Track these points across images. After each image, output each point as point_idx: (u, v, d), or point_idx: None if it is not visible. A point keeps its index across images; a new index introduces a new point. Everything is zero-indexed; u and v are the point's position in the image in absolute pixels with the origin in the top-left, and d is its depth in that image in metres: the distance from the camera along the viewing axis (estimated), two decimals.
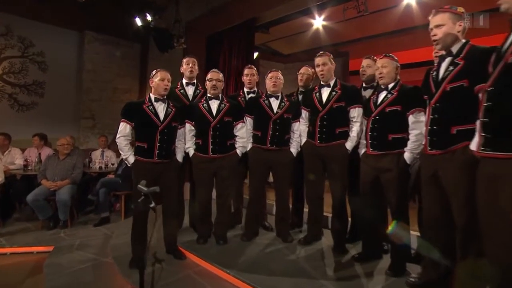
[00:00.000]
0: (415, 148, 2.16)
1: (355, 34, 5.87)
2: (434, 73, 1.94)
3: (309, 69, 3.19)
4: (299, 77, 3.18)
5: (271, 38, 6.46)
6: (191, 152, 2.81)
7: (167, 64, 5.65)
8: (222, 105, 2.81)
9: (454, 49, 1.83)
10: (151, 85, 2.66)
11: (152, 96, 2.62)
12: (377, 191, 2.38)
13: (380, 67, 2.32)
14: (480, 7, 3.21)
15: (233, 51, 5.76)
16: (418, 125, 2.15)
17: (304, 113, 2.88)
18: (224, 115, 2.77)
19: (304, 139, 2.87)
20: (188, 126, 2.82)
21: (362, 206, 2.48)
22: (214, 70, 2.86)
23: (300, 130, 2.89)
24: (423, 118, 2.12)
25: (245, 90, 3.23)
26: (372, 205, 2.42)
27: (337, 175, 2.66)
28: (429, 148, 1.90)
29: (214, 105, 2.80)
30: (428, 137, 1.90)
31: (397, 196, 2.23)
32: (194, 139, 2.83)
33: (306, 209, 3.23)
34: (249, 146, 2.90)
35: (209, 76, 2.83)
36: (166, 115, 2.60)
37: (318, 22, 5.45)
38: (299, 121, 2.90)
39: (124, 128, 2.55)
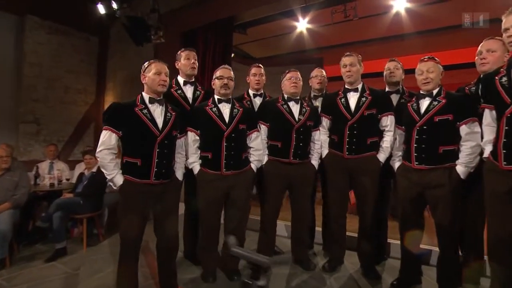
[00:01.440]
0: (470, 161, 1.95)
1: (332, 40, 5.77)
2: (504, 78, 1.73)
3: (323, 71, 2.87)
4: (316, 80, 2.83)
5: (247, 39, 6.06)
6: (197, 168, 2.25)
7: (133, 63, 4.90)
8: (235, 110, 2.31)
9: None
10: (143, 82, 2.07)
11: (146, 96, 2.04)
12: (419, 209, 2.14)
13: (425, 72, 2.07)
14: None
15: (208, 50, 5.23)
16: (473, 136, 1.94)
17: (325, 121, 2.54)
18: (238, 122, 2.28)
19: (325, 150, 2.52)
20: (192, 136, 2.27)
21: (403, 225, 2.20)
22: (224, 66, 2.34)
23: (321, 140, 2.52)
24: (478, 128, 1.93)
25: (251, 92, 2.77)
26: (413, 225, 2.16)
27: (369, 190, 2.36)
28: (504, 163, 1.67)
29: (225, 109, 2.29)
30: (504, 151, 1.67)
31: (449, 214, 2.00)
32: (199, 151, 2.28)
33: (318, 228, 2.89)
34: (265, 159, 2.44)
35: (218, 73, 2.31)
36: (165, 122, 2.03)
37: (302, 25, 5.20)
38: (319, 129, 2.53)
39: (108, 138, 1.92)
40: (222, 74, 2.28)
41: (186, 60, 2.49)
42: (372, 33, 4.82)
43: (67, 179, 4.17)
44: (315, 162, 2.50)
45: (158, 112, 2.05)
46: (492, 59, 2.01)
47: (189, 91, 2.54)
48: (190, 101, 2.51)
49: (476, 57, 2.12)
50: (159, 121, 2.02)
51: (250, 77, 2.75)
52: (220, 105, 2.29)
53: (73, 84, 5.23)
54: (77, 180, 3.82)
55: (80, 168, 4.45)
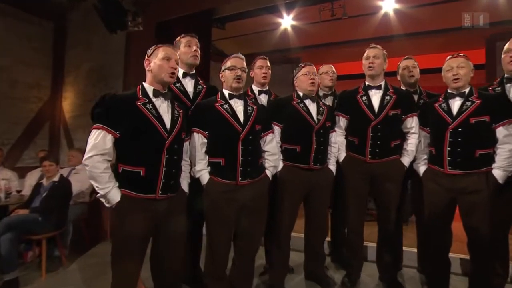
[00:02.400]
0: (509, 165, 1.85)
1: (317, 39, 5.65)
2: None
3: (333, 67, 2.65)
4: (327, 77, 2.60)
5: (224, 35, 5.69)
6: (206, 177, 1.87)
7: (99, 55, 4.28)
8: (249, 108, 1.98)
9: None
10: (146, 69, 1.67)
11: (148, 88, 1.65)
12: (449, 216, 2.01)
13: (455, 67, 1.94)
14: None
15: None
16: (511, 138, 1.83)
17: (343, 121, 2.31)
18: (254, 122, 1.94)
19: (343, 154, 2.29)
20: (199, 138, 1.88)
21: (430, 233, 2.05)
22: (236, 55, 1.99)
23: (338, 143, 2.29)
24: None
25: (255, 88, 2.44)
26: (442, 232, 2.02)
27: (393, 197, 2.19)
28: None
29: (238, 106, 1.95)
30: None
31: (486, 221, 1.88)
32: (207, 157, 1.90)
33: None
34: (280, 164, 2.14)
35: (229, 63, 1.96)
36: (173, 121, 1.66)
37: (287, 21, 4.99)
38: (335, 130, 2.30)
39: (102, 140, 1.50)
40: (235, 64, 1.93)
41: (186, 47, 2.10)
42: (360, 33, 4.76)
43: (18, 191, 3.45)
44: (332, 167, 2.26)
45: (164, 109, 1.66)
46: None
47: (189, 84, 2.14)
48: (191, 96, 2.11)
49: (504, 55, 2.04)
50: (167, 120, 1.63)
51: (254, 70, 2.43)
52: (232, 101, 1.94)
53: (22, 77, 4.41)
54: (32, 192, 3.15)
55: (33, 176, 3.73)
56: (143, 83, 1.68)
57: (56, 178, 3.14)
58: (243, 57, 1.98)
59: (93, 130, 1.52)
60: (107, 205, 1.53)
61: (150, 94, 1.63)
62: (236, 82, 1.92)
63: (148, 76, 1.67)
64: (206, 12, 4.67)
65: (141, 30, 3.91)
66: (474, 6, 4.09)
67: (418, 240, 2.43)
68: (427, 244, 2.09)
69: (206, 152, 1.90)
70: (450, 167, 1.93)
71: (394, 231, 2.23)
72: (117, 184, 1.53)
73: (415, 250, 2.53)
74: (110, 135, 1.51)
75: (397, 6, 4.15)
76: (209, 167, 1.89)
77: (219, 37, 5.55)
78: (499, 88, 2.08)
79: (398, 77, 2.51)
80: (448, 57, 2.04)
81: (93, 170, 1.48)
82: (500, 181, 1.85)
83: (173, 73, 1.65)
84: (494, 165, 1.88)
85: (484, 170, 1.88)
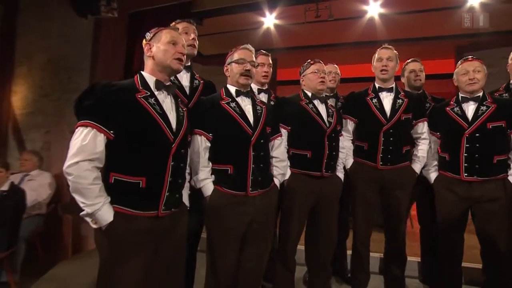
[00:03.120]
0: None
1: (295, 42, 5.55)
2: None
3: (337, 66, 2.51)
4: (329, 77, 2.43)
5: (201, 32, 5.35)
6: (210, 187, 1.59)
7: (58, 44, 3.74)
8: (259, 108, 1.73)
9: None
10: (147, 55, 1.38)
11: (149, 78, 1.36)
12: (464, 225, 1.95)
13: (471, 71, 1.88)
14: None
15: None
16: None
17: (350, 125, 2.17)
18: (265, 124, 1.71)
19: (350, 160, 2.14)
20: (202, 141, 1.60)
21: (446, 243, 1.97)
22: (245, 46, 1.73)
23: (346, 148, 2.13)
24: None
25: (254, 86, 2.20)
26: (458, 242, 1.95)
27: (404, 206, 2.10)
28: None
29: (246, 105, 1.70)
30: None
31: (504, 230, 1.84)
32: (210, 164, 1.61)
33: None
34: (288, 172, 1.91)
35: (236, 55, 1.70)
36: (179, 120, 1.38)
37: (270, 20, 4.81)
38: (342, 135, 2.14)
39: (92, 142, 1.18)
40: (244, 57, 1.68)
41: (183, 34, 1.79)
42: (344, 37, 4.73)
43: None
44: (341, 174, 2.09)
45: (168, 105, 1.37)
46: None
47: (184, 78, 1.83)
48: (187, 91, 1.80)
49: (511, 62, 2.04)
50: (172, 119, 1.34)
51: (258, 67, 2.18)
52: (239, 99, 1.68)
53: None
54: None
55: None
56: (142, 72, 1.37)
57: (5, 187, 2.64)
58: (252, 49, 1.74)
59: (79, 128, 1.19)
60: (94, 226, 1.19)
61: (152, 85, 1.33)
62: (245, 78, 1.67)
63: (149, 64, 1.37)
64: (183, 5, 4.35)
65: (112, 18, 3.47)
66: (447, 18, 4.27)
67: (422, 249, 2.35)
68: (442, 255, 2.00)
69: (209, 158, 1.61)
70: (466, 174, 1.86)
71: (404, 242, 2.12)
72: (109, 199, 1.19)
73: (414, 259, 2.46)
74: (102, 135, 1.19)
75: (382, 11, 4.16)
76: (213, 176, 1.61)
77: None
78: (506, 94, 2.07)
79: (403, 80, 2.44)
80: (460, 61, 1.99)
81: (78, 181, 1.14)
82: None
83: (180, 59, 1.36)
84: (510, 172, 1.84)
85: (500, 177, 1.84)
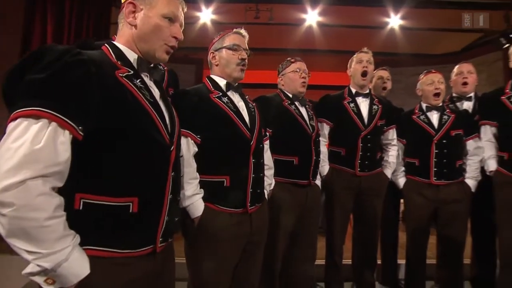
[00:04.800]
0: (478, 175, 2.06)
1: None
2: None
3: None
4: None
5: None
6: (199, 206, 1.25)
7: None
8: (251, 106, 1.47)
9: None
10: (127, 20, 0.95)
11: (130, 54, 0.94)
12: (430, 226, 2.08)
13: (436, 82, 2.04)
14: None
15: (77, 21, 3.69)
16: (479, 151, 2.05)
17: (326, 129, 2.10)
18: (260, 125, 1.45)
19: (327, 166, 2.06)
20: (189, 145, 1.26)
21: (414, 244, 2.07)
22: (238, 30, 1.44)
23: (323, 154, 2.04)
24: (481, 144, 2.05)
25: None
26: (425, 242, 2.09)
27: (378, 212, 2.13)
28: None
29: (239, 102, 1.42)
30: None
31: (464, 229, 2.05)
32: (198, 175, 1.27)
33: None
34: (273, 182, 1.70)
35: (228, 40, 1.40)
36: (171, 115, 1.00)
37: (206, 15, 4.50)
38: (321, 140, 2.05)
39: (51, 144, 0.71)
40: (240, 44, 1.40)
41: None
42: (282, 42, 4.78)
43: None
44: (319, 182, 1.98)
45: (156, 93, 0.97)
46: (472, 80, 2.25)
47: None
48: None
49: (456, 77, 2.31)
50: (164, 112, 0.95)
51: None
52: (229, 94, 1.39)
53: None
54: None
55: None
56: (115, 42, 0.95)
57: None
58: (246, 34, 1.46)
59: (21, 120, 0.70)
60: None
61: (134, 63, 0.93)
62: (240, 70, 1.39)
63: (126, 32, 0.95)
64: None
65: None
66: (372, 36, 4.78)
67: (382, 253, 2.43)
68: (411, 254, 2.11)
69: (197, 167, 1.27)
70: (435, 178, 1.99)
71: (377, 248, 2.15)
72: (78, 239, 0.76)
73: None
74: (67, 132, 0.73)
75: (320, 19, 4.36)
76: (202, 190, 1.27)
77: (114, 21, 4.49)
78: (452, 105, 2.32)
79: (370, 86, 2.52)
80: (424, 73, 2.14)
81: (26, 215, 0.66)
82: (473, 190, 2.03)
83: (172, 48, 0.98)
84: (466, 175, 2.05)
85: (460, 180, 2.03)
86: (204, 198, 1.26)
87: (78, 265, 0.74)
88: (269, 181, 1.60)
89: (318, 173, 1.97)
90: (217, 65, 1.42)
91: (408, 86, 5.94)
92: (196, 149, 1.27)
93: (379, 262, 2.40)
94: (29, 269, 0.70)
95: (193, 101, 1.28)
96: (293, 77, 1.86)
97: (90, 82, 0.77)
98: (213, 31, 4.80)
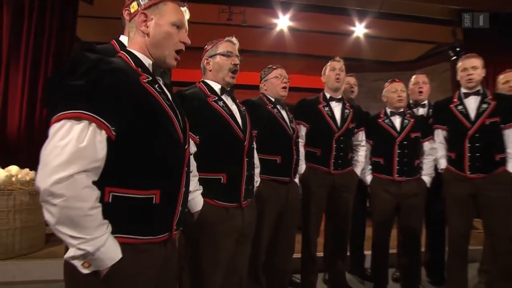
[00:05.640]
0: (432, 172, 2.39)
1: (200, 42, 5.46)
2: (459, 107, 2.26)
3: None
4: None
5: (88, 12, 4.55)
6: (199, 201, 1.39)
7: None
8: (242, 109, 1.64)
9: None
10: (140, 28, 1.06)
11: (145, 60, 1.06)
12: (393, 218, 2.39)
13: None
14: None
15: (42, 14, 3.57)
16: (434, 151, 2.39)
17: (303, 130, 2.33)
18: (251, 128, 1.63)
19: (303, 166, 2.29)
20: (191, 145, 1.38)
21: (380, 234, 2.38)
22: (229, 39, 1.61)
23: (300, 153, 2.27)
24: (435, 145, 2.39)
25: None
26: (388, 233, 2.40)
27: (350, 207, 2.39)
28: (469, 172, 2.16)
29: (232, 105, 1.58)
30: (469, 163, 2.16)
31: (421, 220, 2.41)
32: (197, 172, 1.42)
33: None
34: (259, 179, 1.88)
35: (222, 47, 1.58)
36: (182, 116, 1.13)
37: None
38: (299, 141, 2.27)
39: (92, 142, 0.83)
40: (232, 51, 1.56)
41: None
42: (255, 45, 4.97)
43: None
44: (297, 180, 2.19)
45: (168, 96, 1.10)
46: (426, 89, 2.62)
47: None
48: None
49: (413, 86, 2.66)
50: (176, 114, 1.08)
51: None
52: (223, 98, 1.55)
53: None
54: None
55: None
56: (130, 49, 1.06)
57: None
58: (237, 42, 1.63)
59: (66, 122, 0.81)
60: (85, 271, 0.83)
61: (150, 69, 1.05)
62: (231, 77, 1.56)
63: (139, 40, 1.06)
64: None
65: None
66: (339, 42, 5.16)
67: (351, 245, 2.71)
68: (377, 245, 2.41)
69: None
70: (398, 175, 2.30)
71: (348, 239, 2.43)
72: (110, 228, 0.87)
73: None
74: (103, 132, 0.85)
75: (291, 24, 4.62)
76: (201, 187, 1.41)
77: (83, 14, 4.37)
78: (409, 111, 2.67)
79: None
80: (388, 82, 2.45)
81: (74, 205, 0.78)
82: (428, 185, 2.37)
83: (178, 53, 1.12)
84: (423, 173, 2.38)
85: (418, 177, 2.36)
86: (202, 194, 1.40)
87: (113, 250, 0.85)
88: (257, 179, 1.78)
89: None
90: (210, 70, 1.57)
91: (371, 90, 6.50)
92: (196, 149, 1.41)
93: (348, 253, 2.69)
94: (71, 253, 0.81)
95: (193, 104, 1.42)
96: (275, 83, 2.06)
97: (121, 88, 0.89)
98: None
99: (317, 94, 2.43)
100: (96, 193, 0.83)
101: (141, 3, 1.07)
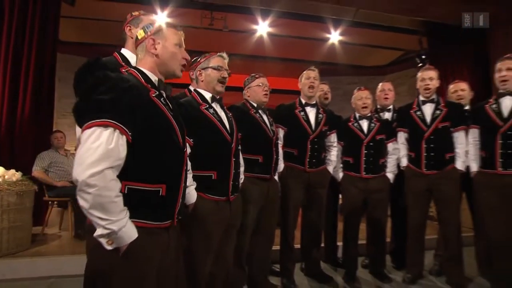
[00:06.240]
0: (395, 170, 2.75)
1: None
2: (418, 112, 2.64)
3: None
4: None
5: (70, 13, 4.63)
6: (194, 194, 1.64)
7: None
8: (229, 115, 1.90)
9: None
10: (150, 50, 1.28)
11: (152, 77, 1.29)
12: (361, 211, 2.74)
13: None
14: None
15: (17, 17, 3.68)
16: (396, 151, 2.75)
17: (282, 133, 2.62)
18: (238, 131, 1.90)
19: (282, 165, 2.58)
20: (187, 147, 1.63)
21: (350, 226, 2.71)
22: (220, 54, 1.84)
23: (280, 154, 2.55)
24: (397, 145, 2.75)
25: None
26: (357, 224, 2.75)
27: (324, 200, 2.71)
28: (425, 169, 2.54)
29: (221, 112, 1.83)
30: (425, 161, 2.54)
31: (386, 212, 2.78)
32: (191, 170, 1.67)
33: None
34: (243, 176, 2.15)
35: (213, 62, 1.82)
36: (181, 123, 1.36)
37: (161, 18, 4.71)
38: (278, 142, 2.56)
39: (116, 145, 1.07)
40: (222, 65, 1.81)
41: None
42: (236, 48, 5.22)
43: None
44: (276, 177, 2.48)
45: (169, 106, 1.35)
46: (391, 96, 2.99)
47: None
48: None
49: (379, 93, 3.03)
50: (176, 121, 1.33)
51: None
52: (213, 105, 1.80)
53: None
54: None
55: None
56: (141, 67, 1.30)
57: None
58: (227, 57, 1.89)
59: (96, 128, 1.04)
60: (109, 247, 1.07)
61: (156, 84, 1.30)
62: (221, 86, 1.81)
63: (148, 60, 1.28)
64: None
65: None
66: (316, 47, 5.53)
67: (325, 236, 3.04)
68: (347, 235, 2.73)
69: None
70: (365, 173, 2.64)
71: (321, 230, 2.75)
72: (129, 213, 1.11)
73: None
74: (124, 137, 1.08)
75: (270, 30, 4.93)
76: (195, 182, 1.66)
77: (64, 14, 4.45)
78: (376, 115, 3.03)
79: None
80: (356, 90, 2.80)
81: (104, 193, 1.01)
82: (391, 182, 2.72)
83: (184, 64, 1.38)
84: (387, 170, 2.73)
85: (383, 174, 2.71)
86: (196, 189, 1.65)
87: (131, 230, 1.08)
88: (241, 176, 2.04)
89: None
90: (202, 81, 1.81)
91: (345, 93, 6.91)
92: (190, 150, 1.65)
93: (322, 245, 3.02)
94: (99, 232, 1.03)
95: (187, 111, 1.66)
96: (257, 90, 2.33)
97: (136, 103, 1.13)
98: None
99: (295, 97, 2.74)
100: (119, 184, 1.07)
101: (147, 30, 1.31)
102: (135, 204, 1.13)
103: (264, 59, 5.55)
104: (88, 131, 1.04)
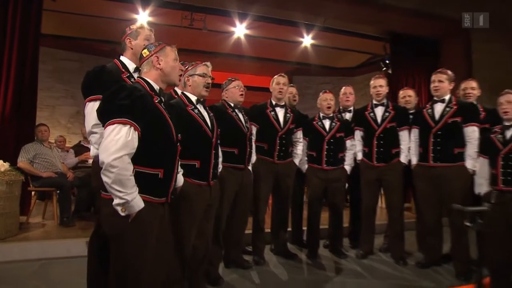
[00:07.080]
0: (352, 163, 3.27)
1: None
2: (371, 114, 3.18)
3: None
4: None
5: (51, 6, 4.82)
6: (181, 179, 2.04)
7: None
8: (211, 114, 2.31)
9: None
10: (156, 65, 1.69)
11: (155, 87, 1.70)
12: (322, 198, 3.26)
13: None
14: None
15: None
16: (354, 147, 3.27)
17: (255, 129, 3.05)
18: (218, 128, 2.32)
19: (254, 157, 3.02)
20: None
21: (313, 212, 3.23)
22: (206, 63, 2.26)
23: (253, 147, 3.00)
24: (354, 142, 3.29)
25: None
26: (319, 210, 3.27)
27: (290, 189, 3.18)
28: (375, 162, 3.10)
29: (204, 112, 2.24)
30: (376, 156, 3.10)
31: (343, 199, 3.31)
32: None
33: None
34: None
35: (200, 70, 2.23)
36: (174, 123, 1.79)
37: (142, 17, 5.02)
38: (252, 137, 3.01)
39: (131, 138, 1.48)
40: (207, 72, 2.23)
41: (146, 41, 2.10)
42: (216, 47, 5.60)
43: None
44: (250, 168, 2.93)
45: (167, 110, 1.76)
46: (351, 98, 3.52)
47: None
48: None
49: (342, 96, 3.56)
50: (172, 121, 1.75)
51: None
52: (198, 107, 2.22)
53: None
54: None
55: None
56: (146, 78, 1.69)
57: None
58: (210, 65, 2.31)
59: (116, 125, 1.43)
60: (123, 214, 1.48)
61: (157, 91, 1.70)
62: (206, 90, 2.23)
63: (153, 73, 1.67)
64: None
65: None
66: (290, 49, 6.02)
67: (292, 221, 3.54)
68: (311, 221, 3.22)
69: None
70: (326, 165, 3.15)
71: (288, 214, 3.25)
72: (137, 189, 1.53)
73: None
74: (136, 132, 1.48)
75: (247, 32, 5.35)
76: (181, 169, 2.08)
77: (46, 7, 4.62)
78: (339, 115, 3.56)
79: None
80: (321, 92, 3.30)
81: (123, 172, 1.41)
82: (348, 173, 3.25)
83: (181, 75, 1.79)
84: (345, 163, 3.25)
85: (341, 166, 3.23)
86: (183, 175, 2.06)
87: (140, 201, 1.48)
88: (220, 166, 2.48)
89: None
90: (190, 86, 2.22)
91: (317, 92, 7.45)
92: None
93: (289, 229, 3.53)
94: (117, 201, 1.43)
95: (177, 112, 2.06)
96: (234, 91, 2.75)
97: (145, 107, 1.53)
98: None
99: (269, 94, 3.18)
100: (132, 167, 1.46)
101: (151, 50, 1.70)
102: (141, 183, 1.54)
103: (241, 58, 5.97)
104: (111, 127, 1.43)
